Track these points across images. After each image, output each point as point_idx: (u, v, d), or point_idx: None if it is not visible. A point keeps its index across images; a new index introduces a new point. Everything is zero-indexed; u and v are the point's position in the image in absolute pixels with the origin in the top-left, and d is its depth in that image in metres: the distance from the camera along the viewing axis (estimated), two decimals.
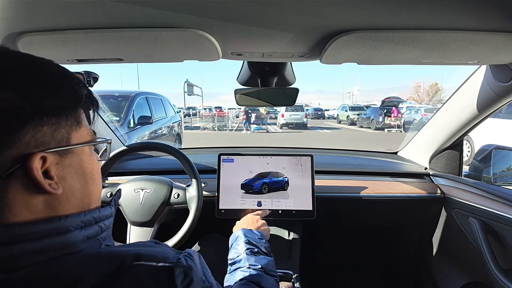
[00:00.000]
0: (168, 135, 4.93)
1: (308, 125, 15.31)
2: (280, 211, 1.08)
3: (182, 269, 0.37)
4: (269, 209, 1.08)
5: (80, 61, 0.81)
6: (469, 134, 1.17)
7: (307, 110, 18.41)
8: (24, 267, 0.32)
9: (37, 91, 0.35)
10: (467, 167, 1.23)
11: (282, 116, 14.98)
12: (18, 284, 0.31)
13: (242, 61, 1.01)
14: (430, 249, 1.29)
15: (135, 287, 0.34)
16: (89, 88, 0.43)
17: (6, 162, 0.32)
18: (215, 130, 13.93)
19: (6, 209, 0.33)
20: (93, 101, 0.43)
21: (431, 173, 1.29)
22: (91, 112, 0.44)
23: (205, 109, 21.68)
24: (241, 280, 0.66)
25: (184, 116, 14.84)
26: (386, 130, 12.75)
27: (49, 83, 0.37)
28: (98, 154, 0.46)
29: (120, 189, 0.56)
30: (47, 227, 0.34)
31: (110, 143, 0.50)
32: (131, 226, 0.98)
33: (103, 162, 0.47)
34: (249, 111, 14.73)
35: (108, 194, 1.00)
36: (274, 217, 1.08)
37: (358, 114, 16.33)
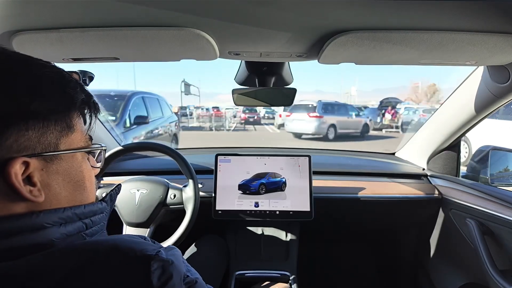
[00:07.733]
0: (164, 135, 4.91)
1: None
2: (277, 212, 1.07)
3: (161, 263, 0.33)
4: (266, 210, 1.07)
5: (75, 60, 0.80)
6: (466, 135, 1.17)
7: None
8: None
9: (25, 93, 0.33)
10: (465, 168, 1.24)
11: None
12: None
13: (240, 61, 1.00)
14: (427, 250, 1.29)
15: (104, 282, 0.31)
16: (90, 93, 0.41)
17: None
18: (212, 130, 13.91)
19: None
20: (91, 106, 0.41)
21: (428, 174, 1.29)
22: (88, 117, 0.41)
23: (200, 108, 21.46)
24: None
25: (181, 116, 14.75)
26: (384, 130, 12.78)
27: (39, 85, 0.35)
28: (95, 159, 0.44)
29: (120, 184, 0.54)
30: (17, 224, 0.32)
31: (105, 150, 0.48)
32: (127, 227, 0.97)
33: (98, 169, 0.45)
34: None
35: (104, 195, 0.99)
36: (271, 218, 1.08)
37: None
